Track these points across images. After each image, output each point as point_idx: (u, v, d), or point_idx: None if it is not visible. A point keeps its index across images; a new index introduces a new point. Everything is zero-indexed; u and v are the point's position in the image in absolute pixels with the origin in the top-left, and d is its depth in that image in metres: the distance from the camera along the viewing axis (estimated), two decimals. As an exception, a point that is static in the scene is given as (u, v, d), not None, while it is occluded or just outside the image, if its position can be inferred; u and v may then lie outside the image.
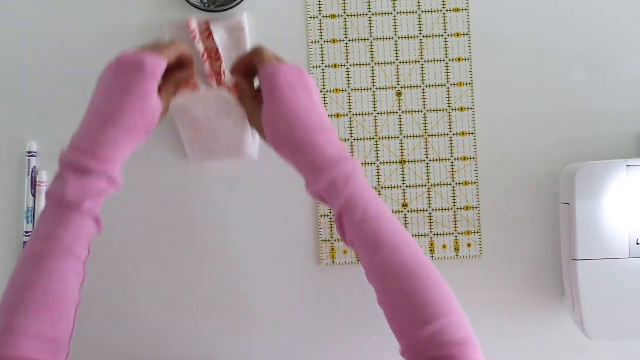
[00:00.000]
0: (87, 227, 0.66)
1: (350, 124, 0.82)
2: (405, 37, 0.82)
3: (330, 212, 0.82)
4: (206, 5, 0.80)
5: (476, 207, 0.82)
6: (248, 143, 0.78)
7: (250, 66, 0.72)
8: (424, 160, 0.82)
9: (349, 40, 0.82)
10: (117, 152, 0.66)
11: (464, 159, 0.82)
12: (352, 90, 0.82)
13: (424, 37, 0.82)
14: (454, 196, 0.82)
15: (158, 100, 0.68)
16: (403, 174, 0.82)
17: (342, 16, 0.82)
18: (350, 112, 0.82)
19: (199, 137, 0.78)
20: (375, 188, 0.81)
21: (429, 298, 0.62)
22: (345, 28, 0.82)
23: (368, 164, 0.82)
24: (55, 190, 0.65)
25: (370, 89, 0.82)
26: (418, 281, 0.63)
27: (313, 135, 0.66)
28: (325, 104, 0.82)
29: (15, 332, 0.61)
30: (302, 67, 0.70)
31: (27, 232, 0.81)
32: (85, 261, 0.67)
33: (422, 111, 0.82)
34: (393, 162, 0.82)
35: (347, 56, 0.82)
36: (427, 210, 0.82)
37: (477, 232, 0.82)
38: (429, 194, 0.82)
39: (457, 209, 0.82)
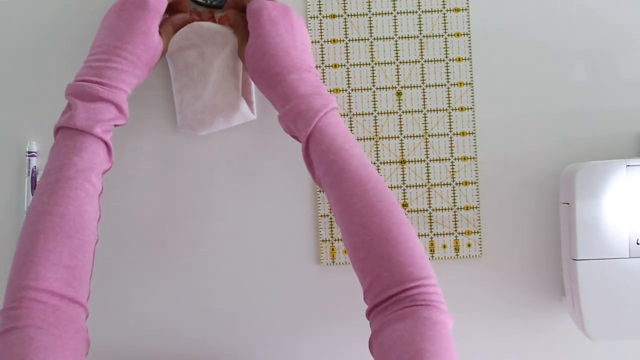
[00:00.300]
0: (101, 154, 0.67)
1: (350, 124, 0.82)
2: (405, 37, 0.82)
3: (330, 212, 0.82)
4: (208, 0, 0.80)
5: (476, 207, 0.82)
6: (239, 96, 0.78)
7: (241, 1, 0.75)
8: (424, 160, 0.82)
9: (349, 40, 0.82)
10: (123, 82, 0.69)
11: (464, 159, 0.82)
12: (352, 90, 0.82)
13: (424, 37, 0.82)
14: (454, 196, 0.82)
15: (159, 38, 0.71)
16: (403, 174, 0.82)
17: (342, 16, 0.82)
18: (350, 112, 0.82)
19: (190, 84, 0.78)
20: (375, 188, 0.81)
21: (387, 234, 0.62)
22: (345, 28, 0.82)
23: (368, 163, 0.82)
24: (65, 120, 0.67)
25: (370, 89, 0.82)
26: (380, 217, 0.63)
27: (288, 72, 0.69)
28: (325, 103, 0.82)
29: (36, 260, 0.60)
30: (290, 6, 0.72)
31: (27, 232, 0.81)
32: (100, 195, 0.67)
33: (422, 111, 0.82)
34: (393, 162, 0.82)
35: (347, 56, 0.82)
36: (427, 210, 0.82)
37: (477, 232, 0.82)
38: (429, 194, 0.82)
39: (457, 209, 0.82)
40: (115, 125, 0.69)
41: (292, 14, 0.72)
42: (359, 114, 0.82)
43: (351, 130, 0.82)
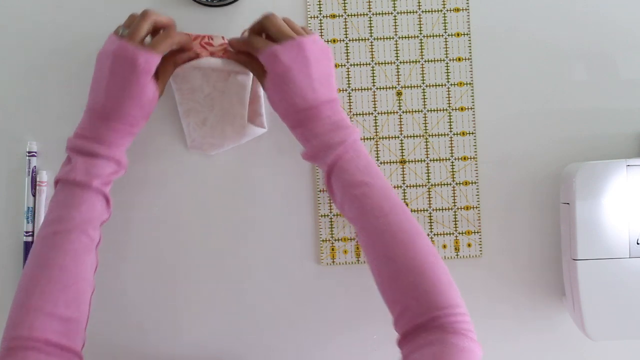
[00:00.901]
0: (98, 207, 0.68)
1: (350, 124, 0.82)
2: (405, 37, 0.82)
3: (331, 212, 0.82)
4: (209, 0, 0.80)
5: (476, 207, 0.82)
6: (245, 124, 0.78)
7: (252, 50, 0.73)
8: (424, 160, 0.82)
9: (349, 40, 0.82)
10: (121, 139, 0.70)
11: (464, 158, 0.82)
12: (352, 90, 0.82)
13: (424, 36, 0.82)
14: (454, 196, 0.82)
15: (154, 89, 0.70)
16: (403, 174, 0.82)
17: (342, 16, 0.82)
18: (350, 111, 0.82)
19: (196, 108, 0.79)
20: (375, 188, 0.81)
21: (412, 264, 0.63)
22: (345, 28, 0.82)
23: (368, 163, 0.82)
24: (65, 173, 0.69)
25: (370, 89, 0.82)
26: (404, 247, 0.64)
27: (305, 114, 0.69)
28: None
29: (31, 311, 0.62)
30: (304, 37, 0.70)
31: (27, 232, 0.81)
32: (97, 246, 0.69)
33: (422, 111, 0.82)
34: (393, 162, 0.82)
35: (347, 56, 0.82)
36: (427, 210, 0.82)
37: (477, 232, 0.82)
38: (429, 194, 0.82)
39: (457, 208, 0.82)
40: (115, 177, 0.71)
41: (306, 47, 0.69)
42: (359, 114, 0.82)
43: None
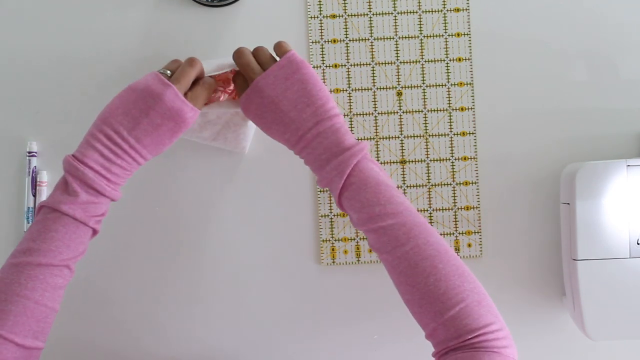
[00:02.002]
0: (86, 242, 0.67)
1: (351, 124, 0.82)
2: (405, 37, 0.82)
3: (331, 212, 0.82)
4: (209, 0, 0.80)
5: (476, 207, 0.82)
6: (244, 135, 0.79)
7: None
8: (424, 160, 0.82)
9: (349, 40, 0.82)
10: (125, 178, 0.68)
11: (464, 159, 0.82)
12: (352, 90, 0.82)
13: (424, 37, 0.82)
14: (454, 196, 0.82)
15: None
16: (403, 174, 0.82)
17: (342, 16, 0.82)
18: (350, 112, 0.82)
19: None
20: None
21: (435, 292, 0.62)
22: (346, 28, 0.82)
23: (368, 164, 0.82)
24: (61, 204, 0.65)
25: (371, 89, 0.82)
26: (425, 275, 0.63)
27: (301, 149, 0.68)
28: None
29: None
30: (260, 77, 0.68)
31: (27, 232, 0.81)
32: (75, 262, 0.67)
33: (422, 111, 0.82)
34: (393, 162, 0.82)
35: (348, 56, 0.82)
36: (427, 210, 0.82)
37: (477, 232, 0.82)
38: (429, 194, 0.82)
39: (457, 209, 0.82)
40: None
41: (263, 90, 0.67)
42: (360, 114, 0.82)
43: (351, 130, 0.82)
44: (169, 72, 0.68)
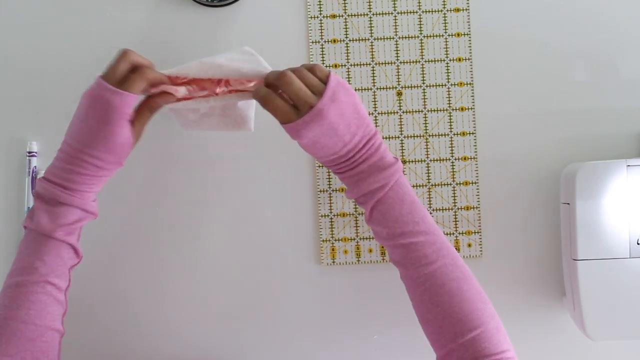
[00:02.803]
0: (64, 256, 0.67)
1: (351, 124, 0.82)
2: (405, 37, 0.82)
3: (331, 212, 0.82)
4: (209, 0, 0.80)
5: (476, 207, 0.82)
6: (245, 117, 0.76)
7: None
8: (424, 160, 0.82)
9: (349, 40, 0.82)
10: (87, 185, 0.68)
11: (464, 159, 0.82)
12: (352, 90, 0.82)
13: (424, 37, 0.82)
14: (454, 196, 0.82)
15: (128, 134, 0.67)
16: (403, 174, 0.82)
17: (342, 16, 0.82)
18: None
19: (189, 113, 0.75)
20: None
21: (458, 313, 0.63)
22: (346, 28, 0.82)
23: (368, 164, 0.82)
24: (29, 221, 0.67)
25: (371, 89, 0.82)
26: (449, 295, 0.64)
27: (344, 165, 0.68)
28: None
29: None
30: (322, 101, 0.65)
31: (27, 232, 0.81)
32: (65, 291, 0.68)
33: (422, 111, 0.82)
34: (393, 162, 0.82)
35: (348, 56, 0.82)
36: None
37: (477, 232, 0.82)
38: (429, 194, 0.82)
39: (457, 209, 0.82)
40: (82, 224, 0.69)
41: (329, 113, 0.66)
42: (359, 114, 0.82)
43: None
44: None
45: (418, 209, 0.68)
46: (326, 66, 0.82)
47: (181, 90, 0.70)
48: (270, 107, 0.67)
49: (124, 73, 0.67)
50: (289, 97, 0.66)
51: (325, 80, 0.67)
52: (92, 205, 0.69)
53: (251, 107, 0.75)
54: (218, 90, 0.70)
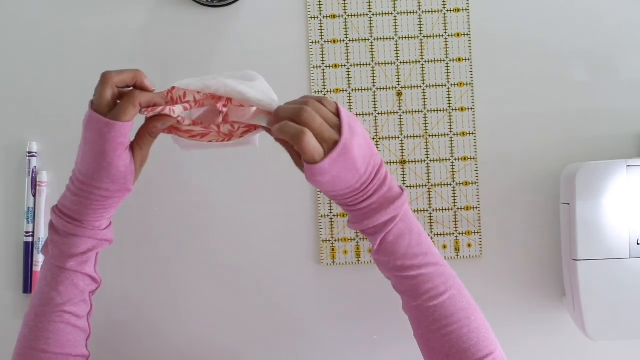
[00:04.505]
0: (80, 285, 0.67)
1: (351, 124, 0.82)
2: (405, 37, 0.82)
3: (331, 212, 0.82)
4: (209, 0, 0.80)
5: (476, 207, 0.82)
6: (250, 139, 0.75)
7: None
8: (424, 160, 0.82)
9: (349, 40, 0.82)
10: (98, 214, 0.66)
11: (464, 159, 0.82)
12: (352, 90, 0.82)
13: (424, 37, 0.82)
14: (454, 196, 0.82)
15: (127, 162, 0.64)
16: (403, 174, 0.82)
17: (342, 16, 0.82)
18: (350, 112, 0.82)
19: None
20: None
21: (467, 343, 0.64)
22: (346, 28, 0.82)
23: (368, 164, 0.82)
24: (45, 250, 0.68)
25: (371, 89, 0.82)
26: (458, 325, 0.64)
27: (354, 199, 0.66)
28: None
29: None
30: (344, 135, 0.62)
31: (27, 232, 0.81)
32: (87, 315, 0.68)
33: (422, 111, 0.82)
34: (393, 162, 0.82)
35: (348, 56, 0.82)
36: (427, 210, 0.82)
37: (477, 232, 0.82)
38: (429, 194, 0.82)
39: (457, 209, 0.82)
40: (96, 252, 0.68)
41: (352, 149, 0.63)
42: (359, 114, 0.82)
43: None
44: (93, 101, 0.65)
45: (425, 239, 0.67)
46: (326, 66, 0.82)
47: (177, 110, 0.66)
48: (304, 147, 0.62)
49: (110, 99, 0.63)
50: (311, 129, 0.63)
51: (335, 113, 0.64)
52: (104, 234, 0.67)
53: (258, 131, 0.70)
54: (219, 105, 0.67)
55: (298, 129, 0.62)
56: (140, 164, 0.67)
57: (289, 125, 0.63)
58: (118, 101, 0.64)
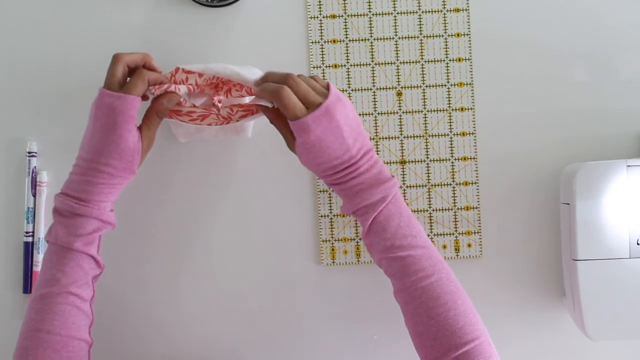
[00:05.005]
0: (85, 267, 0.68)
1: (351, 124, 0.82)
2: (405, 37, 0.82)
3: (331, 212, 0.82)
4: (209, 0, 0.80)
5: (476, 207, 0.82)
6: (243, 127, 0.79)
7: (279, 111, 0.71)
8: (424, 161, 0.82)
9: (349, 40, 0.82)
10: (102, 194, 0.68)
11: (464, 159, 0.82)
12: (352, 90, 0.82)
13: (424, 37, 0.82)
14: (454, 196, 0.82)
15: (136, 138, 0.68)
16: (403, 174, 0.82)
17: (342, 16, 0.82)
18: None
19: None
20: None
21: (453, 326, 0.65)
22: (346, 28, 0.82)
23: (368, 164, 0.82)
24: (49, 235, 0.69)
25: (371, 89, 0.82)
26: (445, 308, 0.65)
27: (345, 174, 0.68)
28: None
29: None
30: (330, 99, 0.67)
31: (27, 232, 0.81)
32: (90, 301, 0.69)
33: (422, 111, 0.82)
34: (393, 162, 0.82)
35: (347, 56, 0.82)
36: (427, 210, 0.82)
37: (477, 232, 0.82)
38: (429, 194, 0.82)
39: (457, 209, 0.82)
40: (100, 234, 0.70)
41: (335, 112, 0.67)
42: (359, 114, 0.82)
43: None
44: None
45: (415, 222, 0.69)
46: (326, 66, 0.82)
47: (182, 89, 0.71)
48: (284, 102, 0.66)
49: (121, 77, 0.68)
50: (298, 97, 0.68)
51: (325, 87, 0.69)
52: (109, 216, 0.70)
53: (255, 117, 0.75)
54: (216, 99, 0.71)
55: (277, 86, 0.67)
56: (147, 146, 0.71)
57: (270, 84, 0.68)
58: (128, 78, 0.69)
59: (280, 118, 0.71)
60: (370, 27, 0.82)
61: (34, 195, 0.81)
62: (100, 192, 0.68)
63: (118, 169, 0.68)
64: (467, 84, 0.82)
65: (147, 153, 0.72)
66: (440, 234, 0.82)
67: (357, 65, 0.82)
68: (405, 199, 0.82)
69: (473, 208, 0.82)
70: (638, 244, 0.72)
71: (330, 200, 0.82)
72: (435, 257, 0.68)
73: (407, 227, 0.68)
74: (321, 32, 0.82)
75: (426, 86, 0.82)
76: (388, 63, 0.82)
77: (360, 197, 0.68)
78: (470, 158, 0.82)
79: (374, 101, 0.82)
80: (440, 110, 0.82)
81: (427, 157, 0.82)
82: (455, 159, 0.82)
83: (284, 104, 0.67)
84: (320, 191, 0.82)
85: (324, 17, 0.82)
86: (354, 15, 0.82)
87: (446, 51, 0.82)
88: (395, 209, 0.69)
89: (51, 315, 0.65)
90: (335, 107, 0.67)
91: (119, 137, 0.67)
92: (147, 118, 0.71)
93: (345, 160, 0.68)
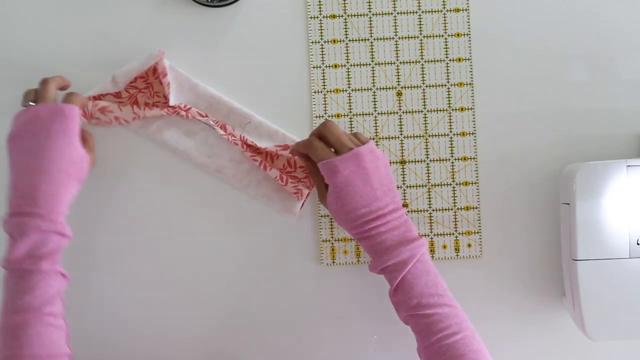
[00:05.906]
0: (54, 284, 0.67)
1: (351, 124, 0.82)
2: (405, 37, 0.82)
3: (331, 212, 0.82)
4: (209, 0, 0.80)
5: (476, 207, 0.82)
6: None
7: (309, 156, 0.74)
8: (424, 161, 0.82)
9: (349, 40, 0.82)
10: (59, 202, 0.67)
11: (464, 159, 0.82)
12: (352, 90, 0.82)
13: (424, 37, 0.82)
14: (454, 196, 0.82)
15: (83, 152, 0.70)
16: (403, 174, 0.82)
17: (342, 16, 0.82)
18: (350, 112, 0.82)
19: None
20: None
21: None
22: (346, 28, 0.82)
23: (368, 164, 0.82)
24: (10, 260, 0.66)
25: (371, 89, 0.82)
26: None
27: (373, 227, 0.69)
28: (325, 104, 0.82)
29: None
30: (361, 147, 0.70)
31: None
32: (63, 314, 0.68)
33: (422, 111, 0.82)
34: (393, 162, 0.82)
35: (347, 56, 0.82)
36: (427, 210, 0.82)
37: (477, 232, 0.82)
38: (429, 194, 0.82)
39: (457, 209, 0.82)
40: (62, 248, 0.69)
41: (365, 157, 0.70)
42: (359, 114, 0.82)
43: (351, 130, 0.82)
44: (24, 102, 0.72)
45: (440, 281, 0.70)
46: (326, 66, 0.82)
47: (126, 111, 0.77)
48: (313, 147, 0.71)
49: (53, 95, 0.72)
50: (331, 143, 0.71)
51: (364, 141, 0.72)
52: (66, 229, 0.68)
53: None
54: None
55: (308, 138, 0.72)
56: (92, 161, 0.74)
57: (302, 140, 0.73)
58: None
59: (314, 168, 0.74)
60: (370, 27, 0.82)
61: (34, 196, 0.81)
62: (57, 198, 0.67)
63: (71, 175, 0.69)
64: (467, 84, 0.82)
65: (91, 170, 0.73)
66: (440, 234, 0.82)
67: (357, 65, 0.82)
68: (405, 199, 0.82)
69: (473, 208, 0.82)
70: (638, 244, 0.72)
71: (330, 200, 0.82)
72: (461, 315, 0.69)
73: (434, 286, 0.69)
74: (321, 32, 0.82)
75: (426, 86, 0.82)
76: (388, 63, 0.82)
77: (388, 255, 0.69)
78: (470, 158, 0.82)
79: (374, 101, 0.82)
80: (440, 110, 0.82)
81: (427, 157, 0.82)
82: (455, 159, 0.82)
83: (313, 148, 0.71)
84: (320, 191, 0.82)
85: (324, 17, 0.82)
86: (354, 15, 0.82)
87: (446, 51, 0.82)
88: (423, 268, 0.70)
89: (29, 339, 0.64)
90: (366, 154, 0.69)
91: (69, 142, 0.69)
92: (86, 136, 0.75)
93: (374, 211, 0.69)
